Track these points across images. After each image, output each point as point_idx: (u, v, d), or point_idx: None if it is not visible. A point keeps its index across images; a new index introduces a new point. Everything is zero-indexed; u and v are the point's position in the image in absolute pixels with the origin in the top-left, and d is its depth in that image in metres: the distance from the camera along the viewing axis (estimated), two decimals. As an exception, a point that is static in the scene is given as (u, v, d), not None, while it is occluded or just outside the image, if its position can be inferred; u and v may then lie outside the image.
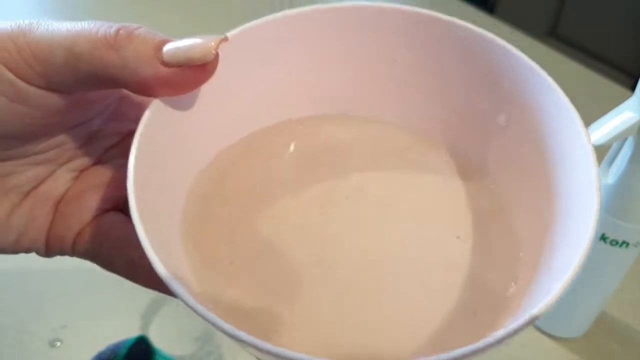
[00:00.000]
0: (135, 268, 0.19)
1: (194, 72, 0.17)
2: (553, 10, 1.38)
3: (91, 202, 0.20)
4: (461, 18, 0.19)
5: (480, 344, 0.14)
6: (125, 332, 0.40)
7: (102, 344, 0.39)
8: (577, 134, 0.17)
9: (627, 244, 0.38)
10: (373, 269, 0.19)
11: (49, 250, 0.20)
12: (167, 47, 0.17)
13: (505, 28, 0.82)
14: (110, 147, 0.21)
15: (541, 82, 0.18)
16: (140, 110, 0.20)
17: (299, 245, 0.19)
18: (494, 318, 0.18)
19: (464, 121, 0.20)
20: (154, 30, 0.17)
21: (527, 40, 0.80)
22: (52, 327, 0.45)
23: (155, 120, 0.17)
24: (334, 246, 0.19)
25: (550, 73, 0.18)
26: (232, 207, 0.20)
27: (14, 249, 0.20)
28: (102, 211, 0.20)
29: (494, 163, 0.20)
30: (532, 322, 0.15)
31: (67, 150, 0.20)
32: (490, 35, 0.18)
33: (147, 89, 0.17)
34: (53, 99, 0.17)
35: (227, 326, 0.14)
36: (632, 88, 0.35)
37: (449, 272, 0.19)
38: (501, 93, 0.19)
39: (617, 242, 0.38)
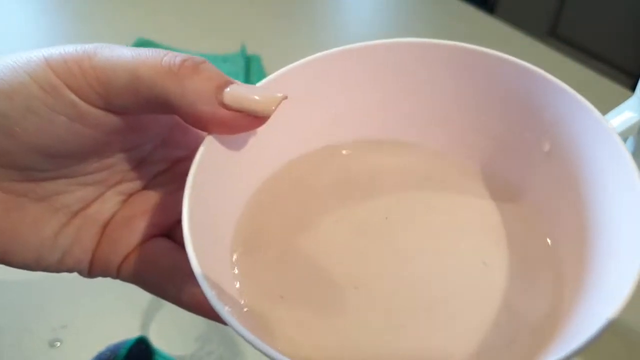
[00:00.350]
0: (186, 295, 0.20)
1: (248, 120, 0.18)
2: (553, 10, 1.38)
3: (139, 228, 0.21)
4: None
5: None
6: (125, 332, 0.40)
7: (102, 344, 0.39)
8: (628, 176, 0.16)
9: (627, 244, 0.38)
10: (409, 294, 0.19)
11: (92, 271, 0.21)
12: (229, 91, 0.17)
13: (505, 28, 0.82)
14: (159, 173, 0.22)
15: (592, 121, 0.18)
16: (191, 139, 0.21)
17: (340, 269, 0.20)
18: (530, 348, 0.18)
19: (505, 150, 0.21)
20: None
21: (527, 40, 0.80)
22: (52, 327, 0.45)
23: (208, 156, 0.18)
24: (373, 271, 0.20)
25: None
26: (279, 234, 0.21)
27: (57, 268, 0.20)
28: (150, 236, 0.21)
29: (536, 191, 0.20)
30: (574, 355, 0.14)
31: (117, 173, 0.21)
32: (534, 68, 0.19)
33: (201, 124, 0.18)
34: (111, 120, 0.18)
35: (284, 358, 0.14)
36: (632, 88, 0.35)
37: (484, 299, 0.19)
38: (543, 123, 0.19)
39: (617, 242, 0.38)
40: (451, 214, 0.21)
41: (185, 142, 0.21)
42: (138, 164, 0.21)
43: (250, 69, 0.71)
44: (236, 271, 0.19)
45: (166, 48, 0.73)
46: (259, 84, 0.20)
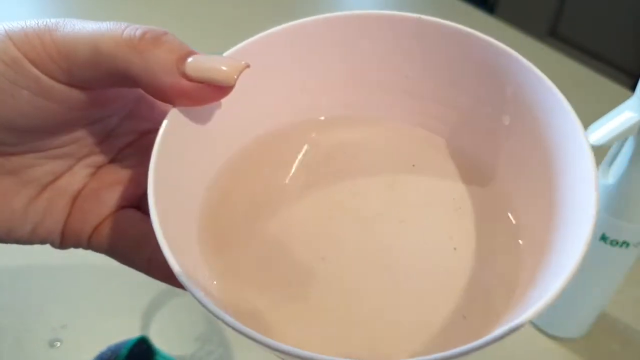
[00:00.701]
0: (152, 264, 0.20)
1: (212, 90, 0.18)
2: (553, 10, 1.38)
3: (109, 199, 0.21)
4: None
5: (468, 346, 0.14)
6: (125, 332, 0.40)
7: (102, 345, 0.39)
8: (579, 142, 0.17)
9: (628, 244, 0.38)
10: (376, 270, 0.20)
11: (63, 242, 0.21)
12: (191, 61, 0.17)
13: (505, 28, 0.82)
14: (125, 145, 0.22)
15: (544, 89, 0.18)
16: (155, 111, 0.21)
17: (306, 246, 0.20)
18: (487, 322, 0.18)
19: (469, 123, 0.21)
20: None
21: (527, 40, 0.80)
22: (52, 327, 0.45)
23: (172, 128, 0.18)
24: (340, 246, 0.20)
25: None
26: (245, 209, 0.21)
27: (29, 239, 0.20)
28: (119, 208, 0.21)
29: (499, 167, 0.20)
30: (515, 330, 0.15)
31: (85, 147, 0.21)
32: (494, 41, 0.19)
33: (164, 96, 0.18)
34: (74, 94, 0.18)
35: (237, 324, 0.15)
36: (632, 88, 0.35)
37: (449, 275, 0.19)
38: (505, 97, 0.19)
39: (617, 242, 0.38)
40: (419, 190, 0.21)
41: (151, 116, 0.21)
42: (105, 138, 0.21)
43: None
44: (200, 241, 0.19)
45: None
46: (226, 53, 0.20)
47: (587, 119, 0.39)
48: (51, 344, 0.44)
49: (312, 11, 0.84)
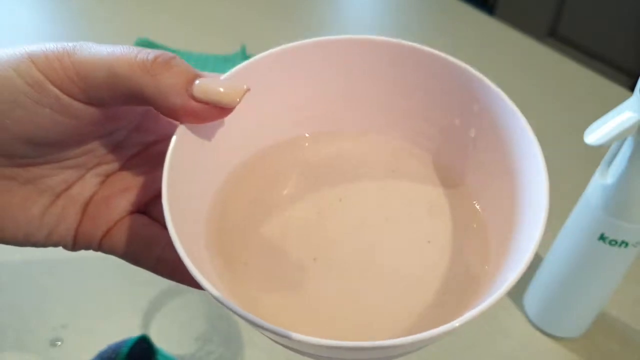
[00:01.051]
0: (160, 263, 0.22)
1: (216, 110, 0.20)
2: (553, 11, 1.38)
3: (118, 205, 0.23)
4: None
5: (443, 327, 0.16)
6: (126, 331, 0.40)
7: (103, 344, 0.39)
8: (531, 145, 0.20)
9: (627, 244, 0.38)
10: (362, 265, 0.22)
11: (76, 246, 0.23)
12: (198, 84, 0.19)
13: (505, 28, 0.82)
14: (133, 155, 0.24)
15: (504, 105, 0.21)
16: (159, 124, 0.24)
17: (300, 247, 0.23)
18: (461, 308, 0.21)
19: (445, 136, 0.24)
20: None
21: (527, 40, 0.80)
22: (52, 327, 0.45)
23: (181, 143, 0.20)
24: (330, 246, 0.23)
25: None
26: (246, 214, 0.23)
27: (44, 243, 0.22)
28: (127, 213, 0.23)
29: (468, 172, 0.24)
30: (481, 312, 0.17)
31: (96, 157, 0.23)
32: (464, 65, 0.22)
33: (174, 115, 0.20)
34: (90, 111, 0.20)
35: (244, 313, 0.17)
36: (632, 88, 0.35)
37: (426, 267, 0.22)
38: (472, 112, 0.22)
39: (616, 242, 0.38)
40: (398, 193, 0.24)
41: (156, 129, 0.24)
42: (114, 148, 0.23)
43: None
44: (207, 243, 0.22)
45: (166, 49, 0.73)
46: (226, 75, 0.21)
47: (586, 119, 0.39)
48: (52, 343, 0.44)
49: (310, 11, 0.84)
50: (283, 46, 0.22)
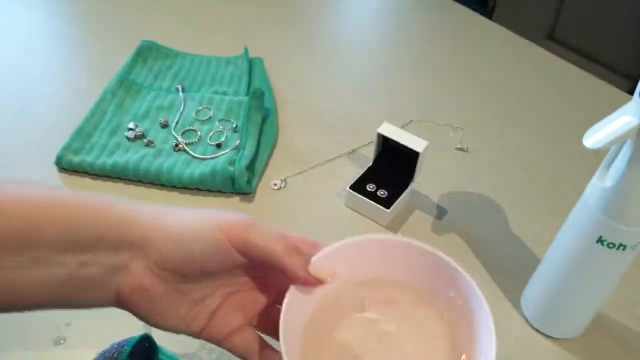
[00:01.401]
0: None
1: (317, 282, 0.32)
2: (551, 13, 1.39)
3: (235, 319, 0.33)
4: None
5: None
6: (128, 330, 0.40)
7: (106, 342, 0.40)
8: (487, 318, 0.32)
9: (625, 247, 0.38)
10: None
11: (201, 338, 0.33)
12: (311, 268, 0.32)
13: (504, 31, 0.83)
14: (248, 282, 0.34)
15: (469, 285, 0.33)
16: (272, 271, 0.32)
17: (361, 352, 0.34)
18: None
19: (437, 295, 0.35)
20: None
21: (525, 43, 0.80)
22: (56, 325, 0.45)
23: (292, 297, 0.32)
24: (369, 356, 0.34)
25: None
26: (322, 335, 0.34)
27: (183, 333, 0.32)
28: (243, 324, 0.33)
29: (454, 325, 0.35)
30: None
31: (226, 282, 0.33)
32: (447, 258, 0.33)
33: (295, 280, 0.31)
34: (246, 264, 0.31)
35: None
36: (630, 91, 0.35)
37: None
38: (454, 284, 0.34)
39: (614, 245, 0.38)
40: (413, 329, 0.35)
41: (268, 271, 0.33)
42: (239, 279, 0.33)
43: (253, 71, 0.71)
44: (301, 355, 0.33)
45: (170, 51, 0.73)
46: (318, 256, 0.33)
47: (585, 121, 0.40)
48: (56, 342, 0.44)
49: (311, 14, 0.84)
50: (349, 239, 0.34)
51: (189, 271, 0.29)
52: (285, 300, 0.31)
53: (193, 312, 0.31)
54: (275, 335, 0.30)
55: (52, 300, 0.29)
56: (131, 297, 0.29)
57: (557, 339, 0.47)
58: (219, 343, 0.32)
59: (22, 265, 0.26)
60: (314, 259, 0.32)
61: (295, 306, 0.31)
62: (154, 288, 0.29)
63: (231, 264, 0.30)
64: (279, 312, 0.31)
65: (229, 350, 0.33)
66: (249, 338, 0.32)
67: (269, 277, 0.34)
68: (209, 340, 0.32)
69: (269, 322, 0.34)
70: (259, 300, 0.34)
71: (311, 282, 0.31)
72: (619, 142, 0.34)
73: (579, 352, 0.46)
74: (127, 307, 0.30)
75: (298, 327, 0.32)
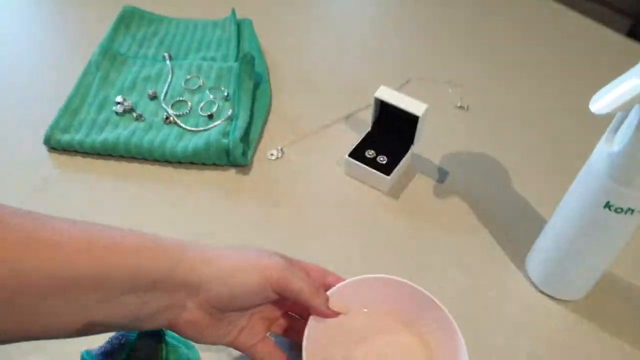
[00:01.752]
0: None
1: (334, 314, 0.39)
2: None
3: (259, 328, 0.40)
4: None
5: None
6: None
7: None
8: (460, 343, 0.39)
9: (632, 211, 0.37)
10: None
11: (234, 348, 0.39)
12: (330, 302, 0.39)
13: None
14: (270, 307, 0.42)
15: (445, 316, 0.40)
16: (297, 307, 0.42)
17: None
18: None
19: (420, 321, 0.42)
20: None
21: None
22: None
23: (313, 325, 0.39)
24: None
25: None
26: (337, 354, 0.42)
27: (216, 344, 0.38)
28: (265, 335, 0.40)
29: (434, 343, 0.42)
30: None
31: (256, 308, 0.40)
32: (427, 293, 0.41)
33: (316, 313, 0.39)
34: (274, 297, 0.37)
35: None
36: (630, 32, 0.33)
37: None
38: (431, 316, 0.41)
39: (622, 210, 0.37)
40: (395, 347, 0.43)
41: (294, 305, 0.42)
42: (267, 305, 0.40)
43: (242, 34, 0.68)
44: None
45: (154, 16, 0.70)
46: (333, 289, 0.40)
47: (589, 75, 0.38)
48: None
49: (315, 2, 0.78)
50: (353, 279, 0.41)
51: (232, 307, 0.36)
52: (306, 331, 0.38)
53: (227, 331, 0.38)
54: (285, 335, 0.42)
55: (111, 329, 0.33)
56: (183, 327, 0.36)
57: (562, 300, 0.47)
58: (244, 351, 0.39)
59: (90, 305, 0.30)
60: (328, 293, 0.40)
61: (314, 332, 0.38)
62: (202, 321, 0.35)
63: (266, 299, 0.36)
64: (292, 318, 0.42)
65: (253, 357, 0.40)
66: (270, 349, 0.40)
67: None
68: (237, 348, 0.39)
69: (283, 327, 0.42)
70: (277, 311, 0.41)
71: (331, 316, 0.39)
72: (626, 107, 0.33)
73: (583, 312, 0.46)
74: (176, 331, 0.36)
75: (316, 349, 0.39)
